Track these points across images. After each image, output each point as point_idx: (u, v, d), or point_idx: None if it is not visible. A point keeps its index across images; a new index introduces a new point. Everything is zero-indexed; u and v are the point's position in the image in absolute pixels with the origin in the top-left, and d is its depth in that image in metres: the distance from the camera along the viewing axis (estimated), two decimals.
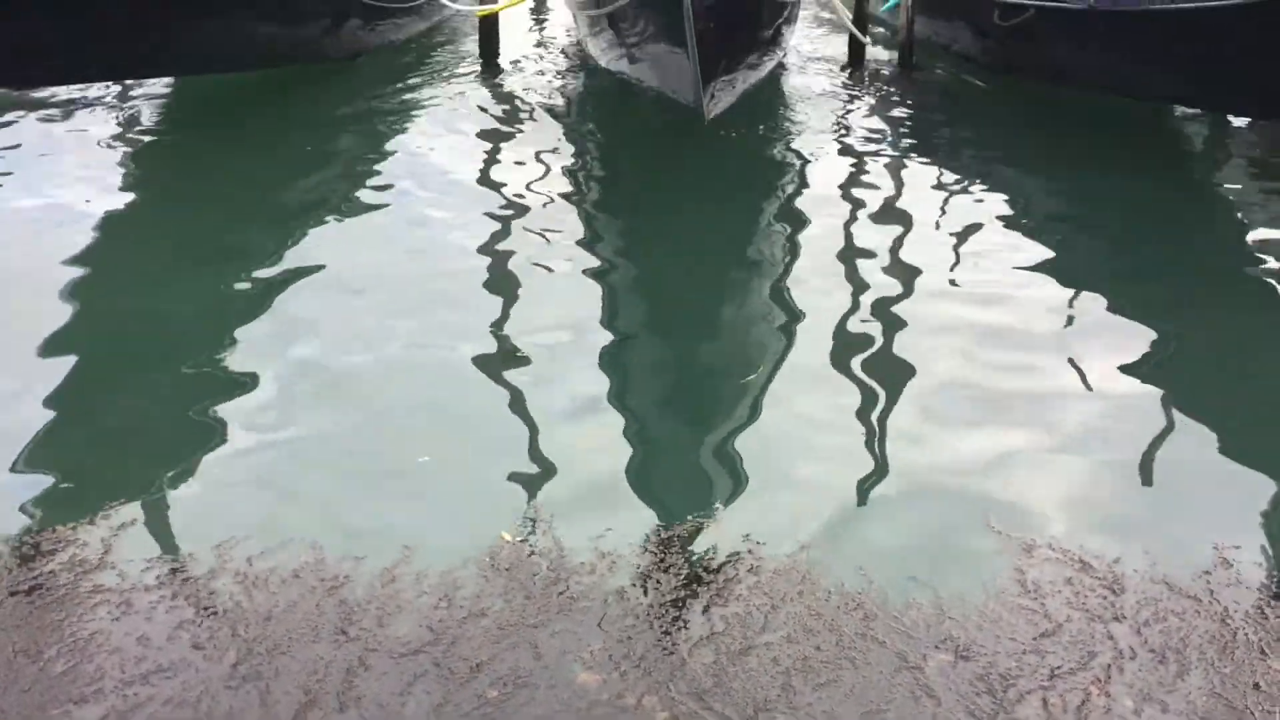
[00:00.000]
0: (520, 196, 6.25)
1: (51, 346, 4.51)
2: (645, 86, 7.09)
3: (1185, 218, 6.26)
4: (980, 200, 6.42)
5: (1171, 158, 7.36)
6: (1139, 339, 4.58)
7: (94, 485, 3.57)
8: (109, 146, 6.91)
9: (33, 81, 5.93)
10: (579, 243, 5.62)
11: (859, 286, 5.14)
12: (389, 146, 7.02)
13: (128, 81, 7.57)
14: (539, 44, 10.11)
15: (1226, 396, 4.19)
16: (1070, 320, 4.76)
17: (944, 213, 6.15)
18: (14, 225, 5.79)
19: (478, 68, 8.81)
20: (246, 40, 6.86)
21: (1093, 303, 4.94)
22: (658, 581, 3.04)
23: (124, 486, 3.55)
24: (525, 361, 4.37)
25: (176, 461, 3.72)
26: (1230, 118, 7.55)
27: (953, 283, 5.17)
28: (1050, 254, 5.53)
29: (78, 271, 5.25)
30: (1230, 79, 6.00)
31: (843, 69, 9.45)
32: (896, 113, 8.25)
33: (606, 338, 4.57)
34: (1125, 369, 4.29)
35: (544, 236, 5.69)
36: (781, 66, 8.82)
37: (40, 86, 6.15)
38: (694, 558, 3.14)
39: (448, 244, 5.60)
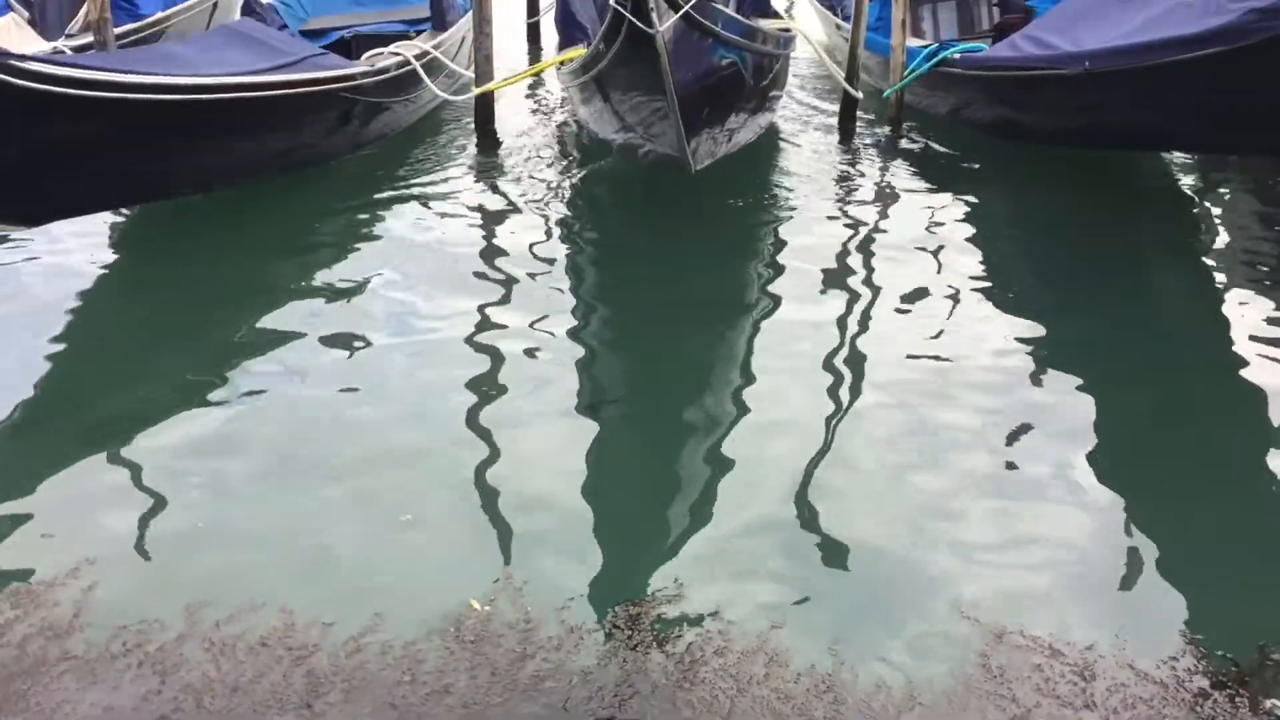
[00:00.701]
0: (508, 269, 6.17)
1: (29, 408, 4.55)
2: (635, 146, 7.04)
3: (1184, 297, 6.06)
4: (969, 265, 6.24)
5: (1174, 219, 7.23)
6: (1112, 423, 4.48)
7: (65, 545, 3.58)
8: (81, 236, 6.66)
9: (34, 219, 5.80)
10: (561, 313, 5.54)
11: (837, 357, 5.05)
12: (384, 231, 6.87)
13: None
14: (536, 117, 9.93)
15: (1198, 483, 4.12)
16: (1048, 407, 4.58)
17: (932, 278, 6.01)
18: None
19: (474, 148, 8.70)
20: (247, 153, 6.80)
21: (1073, 385, 4.80)
22: (624, 661, 3.03)
23: (95, 545, 3.56)
24: (507, 425, 4.37)
25: (148, 521, 3.73)
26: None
27: (937, 357, 5.02)
28: (1039, 330, 5.35)
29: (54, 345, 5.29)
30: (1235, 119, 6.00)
31: (836, 127, 9.19)
32: (887, 173, 8.08)
33: (586, 405, 4.56)
34: (1096, 454, 4.20)
35: (527, 306, 5.64)
36: (773, 124, 8.73)
37: (44, 222, 6.00)
38: (661, 635, 3.12)
39: (433, 313, 5.56)
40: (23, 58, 5.17)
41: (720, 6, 6.13)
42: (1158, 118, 6.59)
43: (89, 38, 8.13)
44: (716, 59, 6.18)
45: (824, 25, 12.70)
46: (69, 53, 8.39)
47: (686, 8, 5.59)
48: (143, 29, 9.88)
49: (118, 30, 8.50)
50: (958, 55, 8.24)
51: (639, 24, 5.51)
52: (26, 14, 9.66)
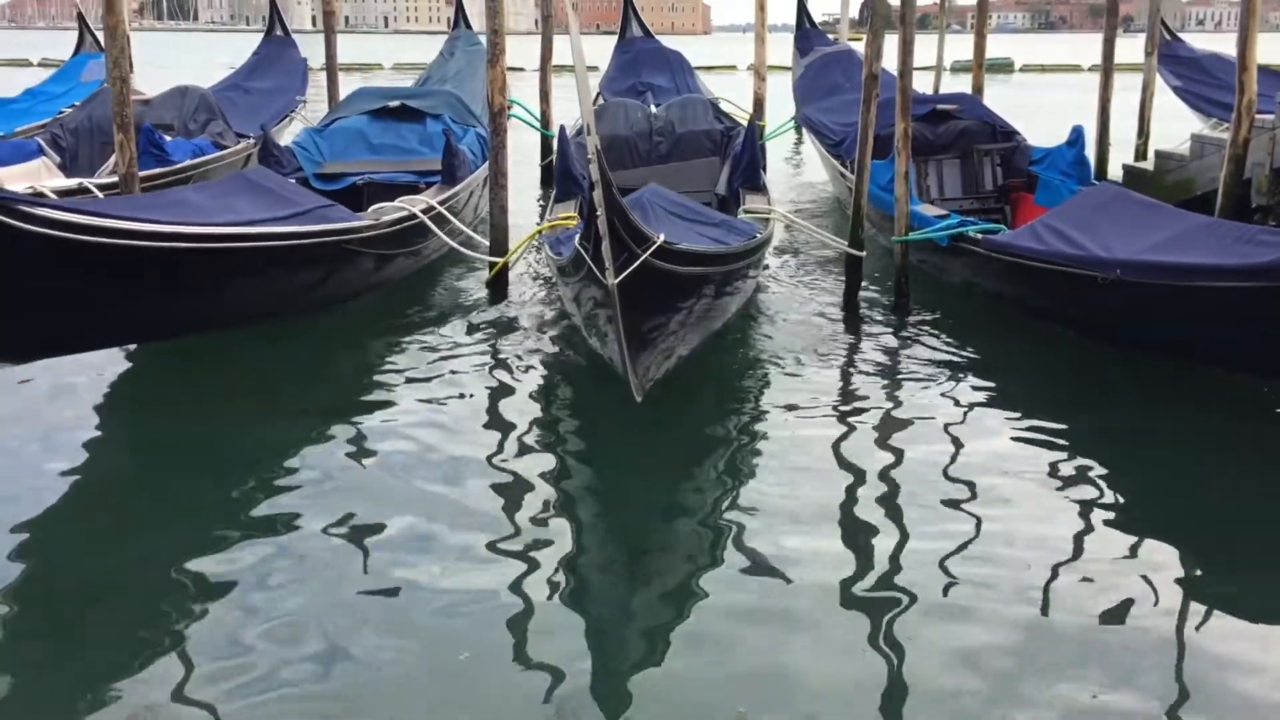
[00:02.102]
0: (516, 426, 6.24)
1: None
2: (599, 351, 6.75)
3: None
4: (989, 458, 6.04)
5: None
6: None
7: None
8: (68, 391, 6.76)
9: (31, 355, 5.92)
10: (571, 480, 5.60)
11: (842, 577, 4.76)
12: (385, 382, 6.96)
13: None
14: (545, 268, 9.77)
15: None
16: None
17: (953, 468, 5.90)
18: None
19: (483, 297, 8.83)
20: (251, 299, 6.91)
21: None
22: None
23: None
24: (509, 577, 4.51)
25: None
26: None
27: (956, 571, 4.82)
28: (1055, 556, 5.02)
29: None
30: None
31: (839, 289, 9.08)
32: (895, 346, 7.95)
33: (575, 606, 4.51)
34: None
35: (538, 467, 5.70)
36: (749, 300, 8.50)
37: (42, 358, 6.12)
38: None
39: (435, 474, 5.64)
40: (31, 201, 5.35)
41: (685, 246, 5.86)
42: (1186, 334, 6.69)
43: (115, 179, 8.36)
44: (672, 296, 5.95)
45: (829, 172, 13.03)
46: (93, 190, 8.67)
47: (644, 257, 5.31)
48: (170, 174, 10.15)
49: (146, 173, 8.76)
50: (977, 235, 8.38)
51: (597, 273, 5.42)
52: (58, 158, 10.00)
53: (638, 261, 5.28)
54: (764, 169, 10.36)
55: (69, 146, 10.45)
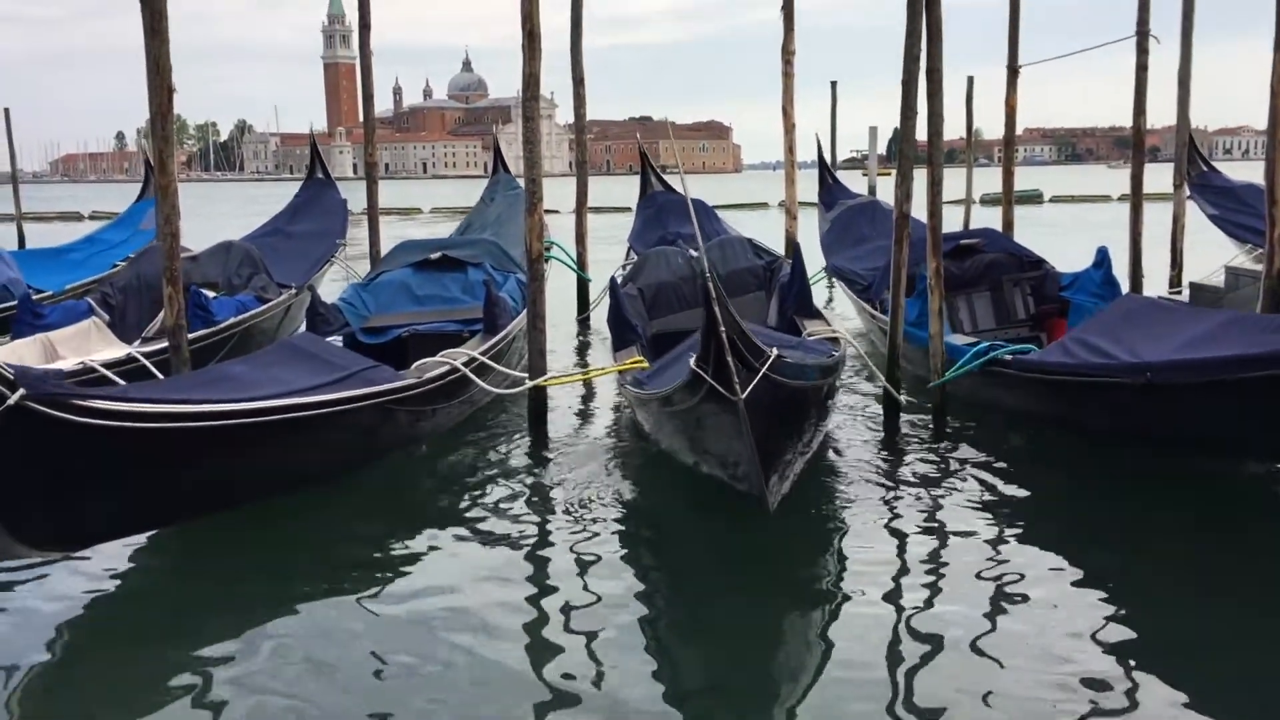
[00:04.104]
0: (564, 591, 6.10)
1: None
2: (704, 472, 7.07)
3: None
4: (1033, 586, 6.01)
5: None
6: None
7: None
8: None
9: (79, 544, 5.93)
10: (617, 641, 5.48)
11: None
12: (430, 543, 6.87)
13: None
14: (589, 416, 10.12)
15: None
16: None
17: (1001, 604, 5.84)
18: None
19: (526, 445, 8.86)
20: (297, 468, 7.00)
21: None
22: None
23: None
24: None
25: None
26: None
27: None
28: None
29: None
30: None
31: (878, 424, 9.22)
32: (935, 480, 7.88)
33: None
34: None
35: (586, 634, 5.55)
36: (828, 437, 8.72)
37: (87, 547, 6.11)
38: None
39: (483, 643, 5.50)
40: (78, 394, 5.40)
41: (794, 359, 6.26)
42: (1223, 428, 6.64)
43: (164, 341, 8.52)
44: (787, 406, 6.29)
45: (860, 316, 13.12)
46: (141, 359, 8.86)
47: (764, 370, 5.69)
48: (216, 334, 10.36)
49: (192, 335, 8.95)
50: (1008, 356, 8.39)
51: (721, 390, 5.68)
52: (107, 317, 10.25)
53: (759, 375, 5.66)
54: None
55: (118, 305, 10.71)
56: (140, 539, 6.58)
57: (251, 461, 6.45)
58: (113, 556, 6.44)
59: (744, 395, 5.56)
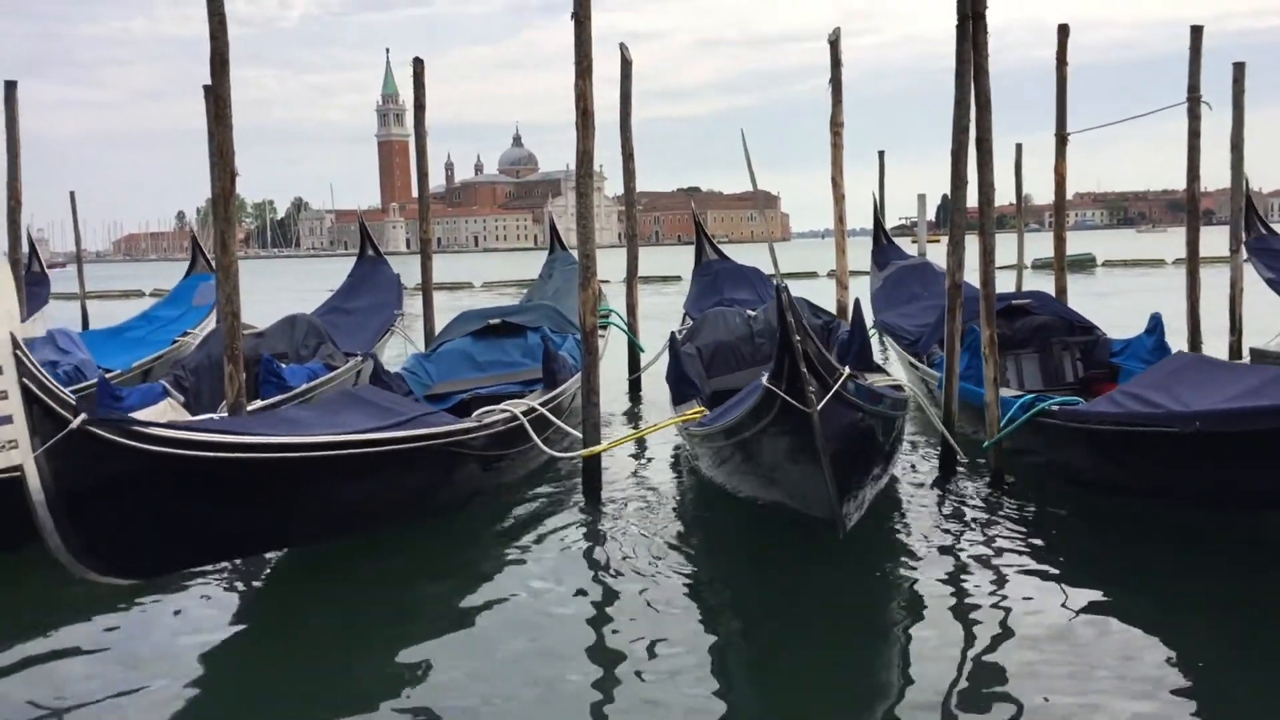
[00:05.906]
0: (629, 635, 6.15)
1: None
2: (772, 503, 7.21)
3: None
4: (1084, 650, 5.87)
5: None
6: None
7: None
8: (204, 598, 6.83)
9: (143, 572, 5.99)
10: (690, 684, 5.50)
11: None
12: (490, 594, 6.92)
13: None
14: (643, 475, 10.18)
15: None
16: None
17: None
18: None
19: (580, 508, 8.88)
20: (358, 507, 7.07)
21: None
22: None
23: None
24: None
25: None
26: None
27: None
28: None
29: None
30: None
31: (934, 477, 9.28)
32: (990, 534, 7.87)
33: None
34: None
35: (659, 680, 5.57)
36: (893, 478, 8.80)
37: (153, 575, 6.27)
38: None
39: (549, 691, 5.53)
40: (139, 421, 5.57)
41: (865, 381, 6.39)
42: (1271, 481, 6.51)
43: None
44: (859, 428, 6.38)
45: (906, 370, 13.12)
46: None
47: (836, 387, 5.84)
48: (290, 399, 10.46)
49: (267, 401, 9.11)
50: (1055, 407, 8.34)
51: (795, 404, 5.76)
52: (182, 398, 10.47)
53: (831, 391, 5.77)
54: None
55: (191, 386, 10.90)
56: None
57: (309, 498, 6.50)
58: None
59: (818, 407, 5.66)
